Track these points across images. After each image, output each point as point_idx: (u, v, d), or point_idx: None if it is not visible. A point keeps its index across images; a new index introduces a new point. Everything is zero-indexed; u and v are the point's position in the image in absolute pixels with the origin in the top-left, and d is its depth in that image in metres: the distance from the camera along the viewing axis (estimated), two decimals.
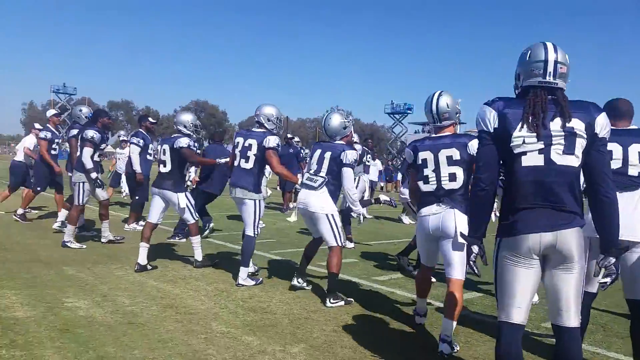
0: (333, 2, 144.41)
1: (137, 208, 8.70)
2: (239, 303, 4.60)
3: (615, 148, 3.36)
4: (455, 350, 3.63)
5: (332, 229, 4.74)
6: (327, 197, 4.75)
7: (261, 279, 5.39)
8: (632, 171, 3.36)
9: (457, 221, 3.58)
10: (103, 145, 6.77)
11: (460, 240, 3.48)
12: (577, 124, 2.41)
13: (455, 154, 3.70)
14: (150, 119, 8.65)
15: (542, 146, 2.42)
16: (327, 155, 4.75)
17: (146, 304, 4.40)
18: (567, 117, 2.41)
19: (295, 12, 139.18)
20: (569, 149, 2.42)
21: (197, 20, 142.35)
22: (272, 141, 5.07)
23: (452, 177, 3.68)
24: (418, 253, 4.53)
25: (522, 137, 2.43)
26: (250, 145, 5.11)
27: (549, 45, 2.52)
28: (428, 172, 3.75)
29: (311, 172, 4.87)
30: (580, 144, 2.42)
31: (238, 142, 5.21)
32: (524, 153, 2.44)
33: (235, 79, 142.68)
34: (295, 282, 5.11)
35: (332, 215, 4.75)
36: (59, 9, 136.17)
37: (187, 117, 6.05)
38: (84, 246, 6.70)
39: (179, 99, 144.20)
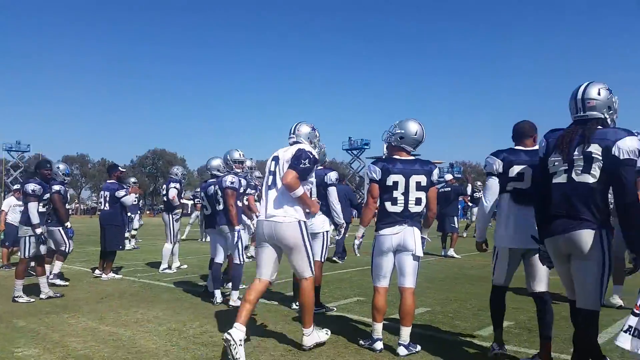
0: (286, 39, 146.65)
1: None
2: (191, 340, 4.74)
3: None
4: (416, 350, 4.17)
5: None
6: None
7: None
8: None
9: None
10: (46, 196, 6.89)
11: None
12: (594, 148, 2.99)
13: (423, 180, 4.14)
14: (120, 168, 9.15)
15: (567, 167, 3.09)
16: None
17: (97, 348, 4.49)
18: (586, 143, 3.01)
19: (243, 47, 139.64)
20: (586, 169, 3.01)
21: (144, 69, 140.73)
22: None
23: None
24: None
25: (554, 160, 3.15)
26: None
27: (582, 86, 3.18)
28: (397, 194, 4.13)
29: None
30: (597, 165, 2.98)
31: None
32: (555, 173, 3.14)
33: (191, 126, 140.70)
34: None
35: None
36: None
37: (217, 162, 6.90)
38: (32, 300, 6.66)
39: (135, 149, 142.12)
